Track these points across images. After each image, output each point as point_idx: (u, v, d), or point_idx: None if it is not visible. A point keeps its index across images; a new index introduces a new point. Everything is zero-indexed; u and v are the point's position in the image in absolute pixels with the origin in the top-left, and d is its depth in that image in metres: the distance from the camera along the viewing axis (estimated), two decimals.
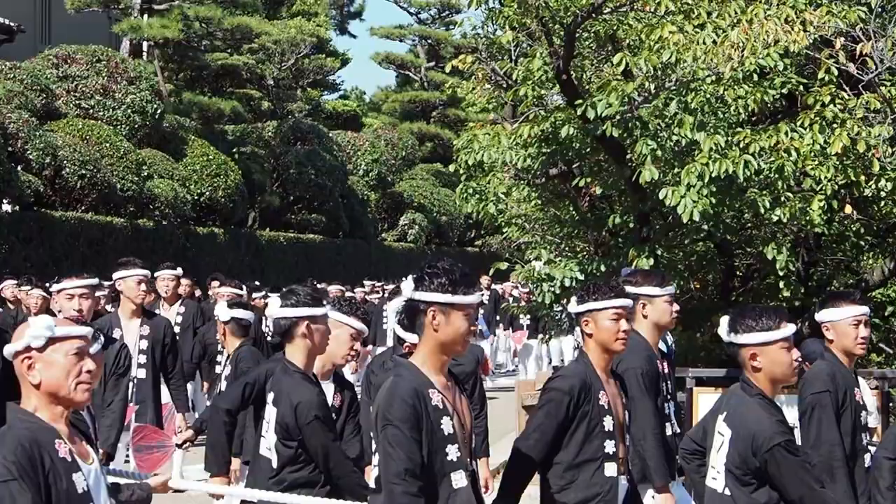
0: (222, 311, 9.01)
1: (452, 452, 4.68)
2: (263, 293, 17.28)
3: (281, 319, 6.00)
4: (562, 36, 10.52)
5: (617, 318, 5.64)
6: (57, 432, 4.07)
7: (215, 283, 14.43)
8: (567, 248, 12.51)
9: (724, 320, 5.45)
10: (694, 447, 5.85)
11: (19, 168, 22.29)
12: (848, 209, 10.62)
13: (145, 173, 26.10)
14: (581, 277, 10.96)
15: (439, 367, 4.81)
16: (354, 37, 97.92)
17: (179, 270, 13.31)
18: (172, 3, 31.98)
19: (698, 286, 12.10)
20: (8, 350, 4.14)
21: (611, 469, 5.52)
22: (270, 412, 6.00)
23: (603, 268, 10.98)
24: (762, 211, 10.06)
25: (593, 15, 10.40)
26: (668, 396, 7.20)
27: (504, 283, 25.30)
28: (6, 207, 22.42)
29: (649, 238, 10.86)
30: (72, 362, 4.10)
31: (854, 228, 11.71)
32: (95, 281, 8.27)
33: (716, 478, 5.35)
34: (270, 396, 6.03)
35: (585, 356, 5.70)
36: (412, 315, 4.83)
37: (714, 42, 9.62)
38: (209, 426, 6.90)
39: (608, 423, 5.53)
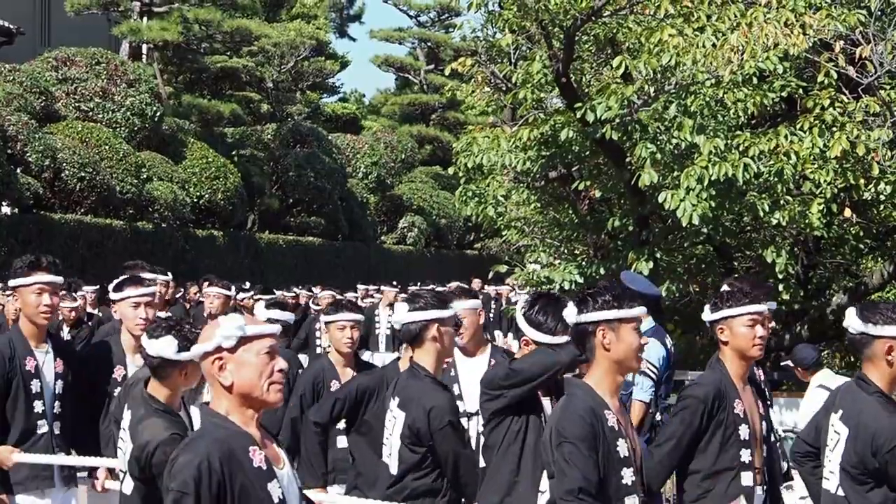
0: (259, 312, 8.95)
1: (627, 476, 4.59)
2: (251, 294, 17.27)
3: (410, 324, 5.84)
4: (561, 39, 10.53)
5: (753, 324, 5.51)
6: (251, 438, 3.89)
7: (206, 284, 14.27)
8: (566, 251, 12.51)
9: (853, 311, 5.29)
10: (807, 449, 5.71)
11: (19, 170, 22.29)
12: (847, 212, 10.62)
13: (145, 176, 26.09)
14: (580, 280, 10.97)
15: (614, 388, 4.73)
16: (354, 39, 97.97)
17: (169, 276, 12.98)
18: (172, 5, 31.96)
19: (697, 289, 12.10)
20: (197, 350, 3.94)
21: (747, 478, 5.43)
22: (395, 417, 5.83)
23: (602, 271, 10.99)
24: (761, 214, 10.06)
25: (593, 18, 10.40)
26: (770, 404, 7.14)
27: (499, 287, 24.98)
28: (5, 210, 22.42)
29: (649, 241, 10.87)
30: (264, 362, 3.90)
31: (853, 232, 11.72)
32: (156, 287, 8.11)
33: (829, 478, 5.26)
34: (394, 402, 5.86)
35: (721, 364, 5.57)
36: (581, 339, 4.75)
37: (714, 45, 9.62)
38: (303, 440, 6.83)
39: (744, 431, 5.43)
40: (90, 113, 26.08)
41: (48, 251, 22.15)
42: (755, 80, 10.19)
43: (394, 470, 5.79)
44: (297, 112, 40.89)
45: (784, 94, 10.60)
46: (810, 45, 9.76)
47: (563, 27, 10.41)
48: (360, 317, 7.70)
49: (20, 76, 24.77)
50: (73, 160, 23.62)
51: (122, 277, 7.32)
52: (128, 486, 5.30)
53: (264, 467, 3.86)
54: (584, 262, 11.37)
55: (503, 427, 5.73)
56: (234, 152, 32.67)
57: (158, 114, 27.75)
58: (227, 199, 28.88)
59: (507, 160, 11.08)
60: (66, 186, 23.70)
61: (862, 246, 12.14)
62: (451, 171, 12.22)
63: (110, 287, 7.35)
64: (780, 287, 10.76)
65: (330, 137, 38.15)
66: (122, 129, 26.40)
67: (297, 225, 34.36)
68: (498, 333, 22.60)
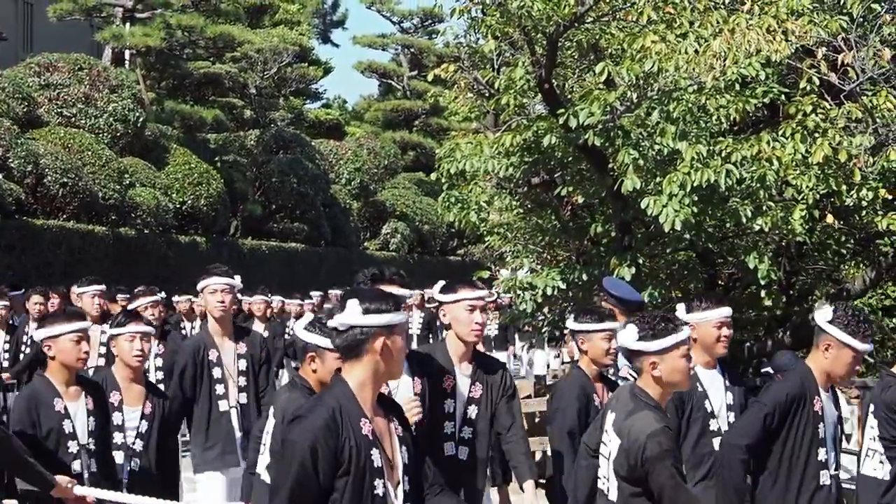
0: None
1: None
2: (186, 298, 17.60)
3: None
4: (544, 45, 10.52)
5: None
6: None
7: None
8: (549, 257, 12.50)
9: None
10: None
11: (1, 176, 22.21)
12: (829, 218, 10.62)
13: (127, 182, 26.04)
14: (563, 286, 10.96)
15: None
16: (337, 46, 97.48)
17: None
18: (155, 11, 31.93)
19: (679, 295, 12.09)
20: None
21: None
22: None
23: (584, 276, 10.98)
24: (744, 220, 10.05)
25: (576, 24, 10.40)
26: None
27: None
28: None
29: (631, 247, 10.85)
30: None
31: (835, 237, 11.72)
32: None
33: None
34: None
35: None
36: None
37: (696, 51, 9.62)
38: (727, 468, 6.12)
39: None
40: (73, 119, 26.02)
41: (31, 257, 22.13)
42: (737, 87, 10.19)
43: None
44: (280, 118, 40.87)
45: (766, 100, 10.60)
46: (792, 51, 9.76)
47: (546, 33, 10.40)
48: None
49: (2, 81, 24.71)
50: (55, 166, 23.56)
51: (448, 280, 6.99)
52: (612, 491, 5.12)
53: None
54: (566, 268, 11.35)
55: None
56: (216, 158, 32.65)
57: (141, 119, 27.71)
58: (209, 205, 28.84)
59: (490, 166, 11.06)
60: (49, 192, 23.63)
61: (844, 252, 12.14)
62: (433, 176, 12.18)
63: (436, 289, 6.98)
64: (763, 293, 10.76)
65: (313, 143, 38.18)
66: (105, 135, 26.35)
67: (280, 231, 34.32)
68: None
